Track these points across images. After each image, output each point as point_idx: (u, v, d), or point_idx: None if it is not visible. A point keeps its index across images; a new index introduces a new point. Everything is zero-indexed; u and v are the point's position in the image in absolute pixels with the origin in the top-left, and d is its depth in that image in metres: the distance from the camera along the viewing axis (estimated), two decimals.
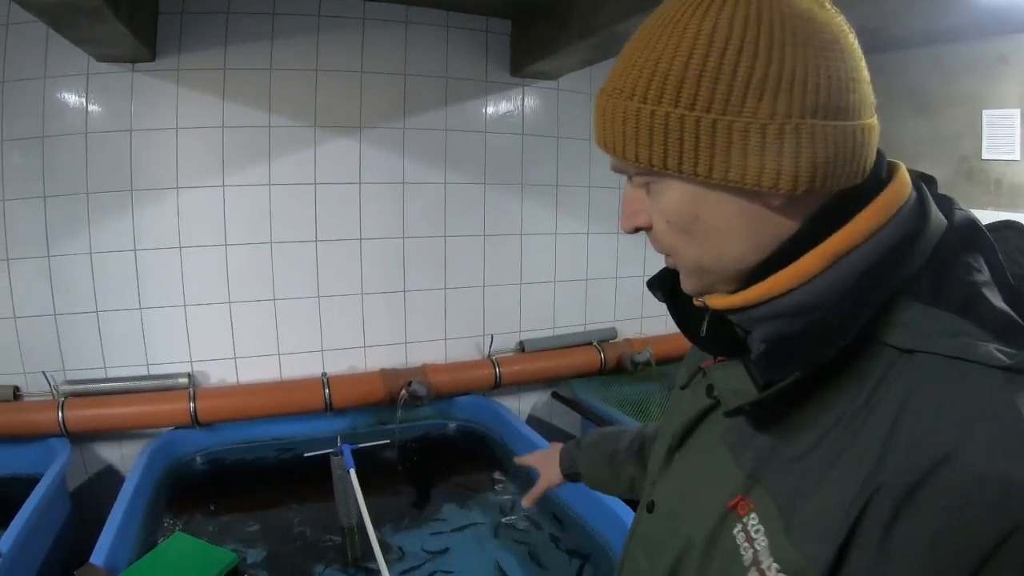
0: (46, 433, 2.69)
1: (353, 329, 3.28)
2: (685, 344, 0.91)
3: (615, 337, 3.80)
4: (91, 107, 2.73)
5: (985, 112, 2.99)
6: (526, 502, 1.49)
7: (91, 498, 2.87)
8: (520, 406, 3.70)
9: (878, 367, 0.62)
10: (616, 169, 0.73)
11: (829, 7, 0.65)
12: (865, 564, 0.58)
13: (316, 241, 3.12)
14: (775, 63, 0.60)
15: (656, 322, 3.93)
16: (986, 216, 2.39)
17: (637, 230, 0.75)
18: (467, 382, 3.38)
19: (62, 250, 2.77)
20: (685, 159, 0.64)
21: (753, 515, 0.67)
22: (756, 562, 0.65)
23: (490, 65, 3.34)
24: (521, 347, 3.57)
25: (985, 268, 0.65)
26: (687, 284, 0.76)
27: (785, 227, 0.67)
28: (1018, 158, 2.92)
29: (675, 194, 0.68)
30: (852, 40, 0.65)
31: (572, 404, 3.48)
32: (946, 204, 0.70)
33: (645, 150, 0.66)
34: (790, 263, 0.66)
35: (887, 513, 0.56)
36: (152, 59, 2.75)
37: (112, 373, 2.88)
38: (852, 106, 0.63)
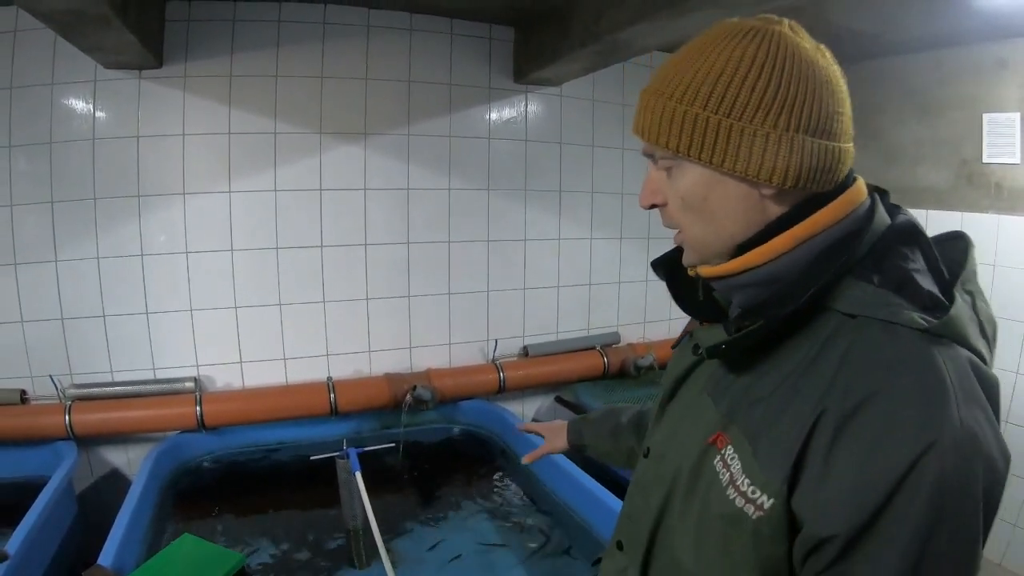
0: (53, 436, 2.70)
1: (358, 334, 3.29)
2: None
3: (618, 342, 3.82)
4: (98, 113, 2.76)
5: (985, 116, 3.00)
6: (527, 459, 1.64)
7: (97, 501, 2.89)
8: (524, 410, 3.71)
9: (828, 328, 0.80)
10: (646, 153, 0.91)
11: (829, 57, 0.84)
12: (813, 474, 0.74)
13: (321, 246, 3.14)
14: (781, 90, 0.79)
15: (659, 326, 3.95)
16: (987, 220, 2.45)
17: (653, 207, 0.93)
18: (471, 386, 3.39)
19: (69, 255, 2.80)
20: (704, 150, 0.83)
21: (729, 447, 0.84)
22: (732, 481, 0.82)
23: (493, 72, 3.36)
24: (525, 352, 3.59)
25: (921, 259, 0.83)
26: (688, 256, 0.94)
27: (770, 213, 0.85)
28: (1019, 162, 2.92)
29: (692, 177, 0.86)
30: (843, 85, 0.84)
31: (576, 408, 3.48)
32: (895, 210, 0.89)
33: (675, 139, 0.84)
34: (767, 243, 0.85)
35: (829, 434, 0.73)
36: (159, 66, 2.78)
37: (119, 377, 2.90)
38: (834, 131, 0.82)
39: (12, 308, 2.76)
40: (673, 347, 1.10)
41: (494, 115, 3.40)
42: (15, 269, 2.74)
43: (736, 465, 0.81)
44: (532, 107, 3.48)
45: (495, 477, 3.05)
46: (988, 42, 2.98)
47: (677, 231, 0.93)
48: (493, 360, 3.49)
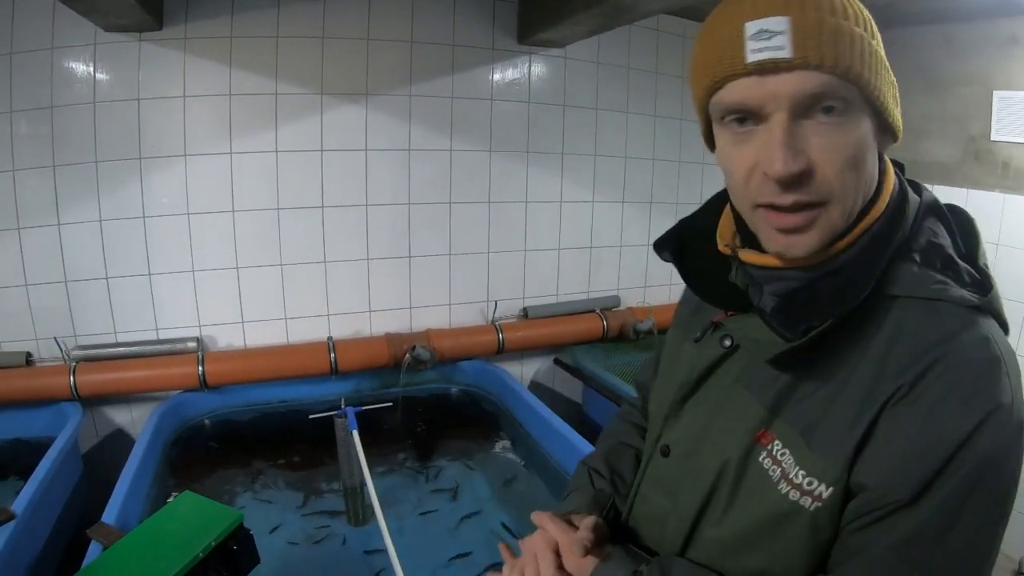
0: (58, 397, 2.76)
1: (359, 294, 3.32)
2: None
3: (618, 305, 3.84)
4: (99, 76, 2.75)
5: (996, 93, 2.93)
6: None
7: (102, 460, 2.96)
8: (523, 372, 3.75)
9: (873, 311, 0.76)
10: (810, 96, 0.70)
11: None
12: (879, 443, 0.73)
13: (323, 207, 3.16)
14: None
15: (659, 291, 3.96)
16: (993, 198, 2.41)
17: (800, 174, 0.72)
18: (470, 347, 3.43)
19: (72, 218, 2.82)
20: (882, 90, 0.74)
21: (776, 442, 0.80)
22: (784, 476, 0.78)
23: (497, 33, 3.32)
24: (525, 313, 3.61)
25: (946, 235, 0.81)
26: (816, 238, 0.75)
27: None
28: None
29: (863, 127, 0.74)
30: None
31: (574, 371, 3.53)
32: (915, 185, 0.86)
33: (869, 73, 0.72)
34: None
35: (892, 404, 0.72)
36: (159, 28, 2.76)
37: (122, 338, 2.95)
38: None
39: (16, 272, 2.79)
40: (696, 340, 0.95)
41: (497, 76, 3.37)
42: (19, 233, 2.76)
43: (788, 460, 0.78)
44: (536, 69, 3.45)
45: (493, 436, 3.11)
46: (1000, 18, 2.90)
47: (807, 210, 0.74)
48: (493, 321, 3.52)
